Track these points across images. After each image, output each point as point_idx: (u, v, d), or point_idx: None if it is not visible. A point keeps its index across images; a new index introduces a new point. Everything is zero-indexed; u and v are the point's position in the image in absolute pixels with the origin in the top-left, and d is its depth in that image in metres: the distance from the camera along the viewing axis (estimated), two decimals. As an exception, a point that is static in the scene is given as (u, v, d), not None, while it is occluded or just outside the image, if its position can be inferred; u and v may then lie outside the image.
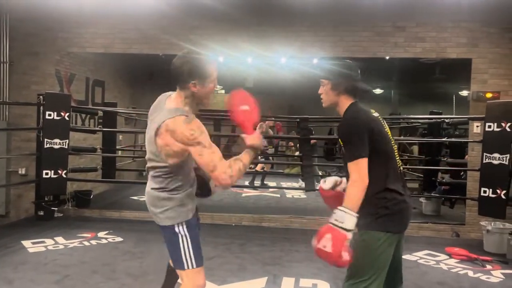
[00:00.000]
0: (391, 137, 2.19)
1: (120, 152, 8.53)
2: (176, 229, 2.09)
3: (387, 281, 2.11)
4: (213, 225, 5.78)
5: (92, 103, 7.96)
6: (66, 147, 5.48)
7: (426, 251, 4.77)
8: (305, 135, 5.95)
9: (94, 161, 7.45)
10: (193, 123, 1.96)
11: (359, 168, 1.98)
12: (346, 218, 1.89)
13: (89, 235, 4.96)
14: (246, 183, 8.59)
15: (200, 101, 2.10)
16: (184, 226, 2.10)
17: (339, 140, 2.13)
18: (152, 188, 2.13)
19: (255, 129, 2.13)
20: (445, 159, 7.32)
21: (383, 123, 2.19)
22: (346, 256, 1.88)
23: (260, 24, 5.95)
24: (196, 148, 1.95)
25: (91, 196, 6.62)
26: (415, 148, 10.45)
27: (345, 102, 2.17)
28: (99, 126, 7.73)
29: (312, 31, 5.97)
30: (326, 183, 2.31)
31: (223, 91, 13.95)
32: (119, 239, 4.88)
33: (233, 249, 4.67)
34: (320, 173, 8.45)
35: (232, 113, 2.13)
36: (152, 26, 6.02)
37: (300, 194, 8.00)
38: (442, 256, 4.59)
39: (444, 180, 7.27)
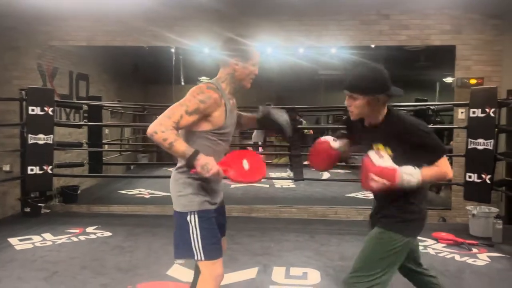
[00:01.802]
0: None
1: (106, 146, 8.45)
2: (188, 218, 2.07)
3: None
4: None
5: (76, 97, 7.84)
6: (51, 142, 5.41)
7: (414, 237, 4.82)
8: (293, 125, 5.98)
9: (80, 156, 7.36)
10: (201, 92, 1.98)
11: (446, 163, 2.03)
12: (413, 175, 1.92)
13: (77, 231, 4.92)
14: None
15: (239, 82, 2.14)
16: (196, 216, 2.07)
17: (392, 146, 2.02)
18: (175, 169, 2.15)
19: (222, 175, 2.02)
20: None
21: None
22: None
23: (245, 14, 5.90)
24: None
25: (79, 192, 6.56)
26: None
27: (381, 110, 2.08)
28: (84, 121, 7.62)
29: (297, 21, 5.94)
30: (337, 143, 2.29)
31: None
32: (107, 234, 4.84)
33: (223, 240, 4.67)
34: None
35: (236, 156, 2.10)
36: (136, 18, 5.92)
37: (289, 184, 8.02)
38: (429, 241, 4.65)
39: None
